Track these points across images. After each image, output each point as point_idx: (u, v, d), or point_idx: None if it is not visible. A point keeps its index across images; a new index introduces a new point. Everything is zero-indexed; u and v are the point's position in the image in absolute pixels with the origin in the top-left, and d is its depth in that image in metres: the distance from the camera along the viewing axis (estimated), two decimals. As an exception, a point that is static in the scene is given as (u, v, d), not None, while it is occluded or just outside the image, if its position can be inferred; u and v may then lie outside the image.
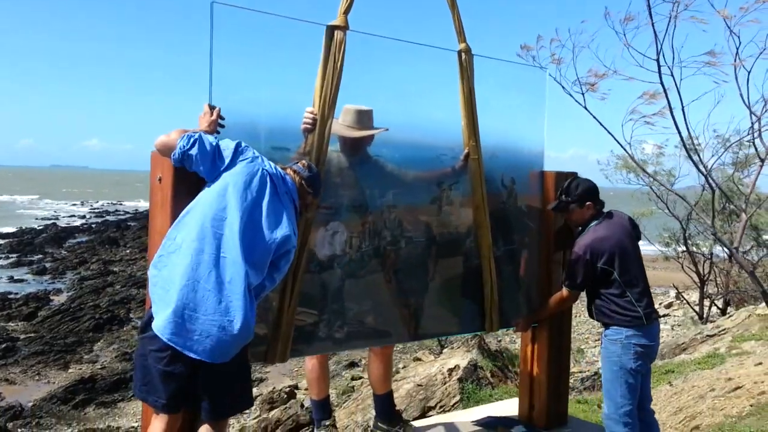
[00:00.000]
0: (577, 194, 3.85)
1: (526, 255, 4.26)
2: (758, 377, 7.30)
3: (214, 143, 2.78)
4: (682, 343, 9.95)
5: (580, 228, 3.96)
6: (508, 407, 4.74)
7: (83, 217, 49.61)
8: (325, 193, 3.23)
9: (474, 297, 3.96)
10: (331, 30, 3.14)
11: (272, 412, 8.18)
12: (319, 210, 3.20)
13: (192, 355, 2.60)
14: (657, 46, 3.27)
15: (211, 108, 2.95)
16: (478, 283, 3.93)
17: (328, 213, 3.33)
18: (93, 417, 12.03)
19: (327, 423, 4.03)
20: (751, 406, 6.48)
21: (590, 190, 3.90)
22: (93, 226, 41.05)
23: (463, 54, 3.64)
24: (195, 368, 2.66)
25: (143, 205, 66.00)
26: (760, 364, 8.03)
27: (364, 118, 3.52)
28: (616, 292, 3.77)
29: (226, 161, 2.77)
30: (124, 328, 17.45)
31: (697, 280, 16.61)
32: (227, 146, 2.80)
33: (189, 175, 2.80)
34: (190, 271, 2.61)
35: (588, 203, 3.87)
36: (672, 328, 16.60)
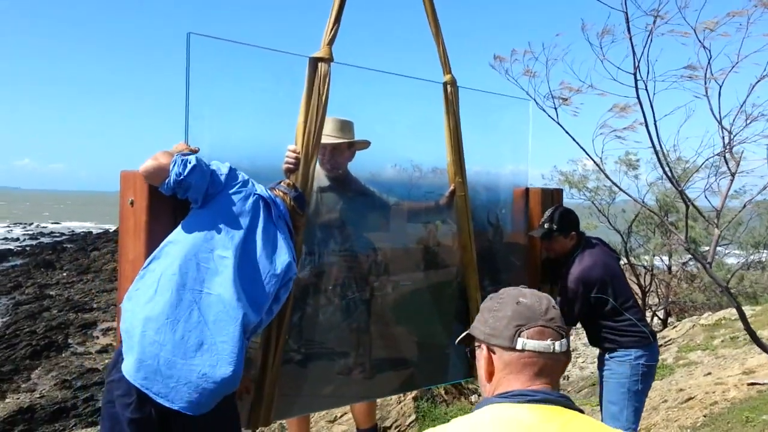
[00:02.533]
0: (563, 224, 3.80)
1: None
2: (709, 387, 7.46)
3: (211, 168, 2.51)
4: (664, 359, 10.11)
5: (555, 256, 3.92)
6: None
7: (16, 239, 47.84)
8: (308, 234, 3.03)
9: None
10: (314, 62, 2.90)
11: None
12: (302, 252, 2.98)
13: (166, 404, 2.24)
14: (634, 60, 3.31)
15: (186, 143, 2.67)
16: (465, 327, 3.78)
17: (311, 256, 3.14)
18: (33, 449, 11.52)
19: None
20: (704, 416, 6.59)
21: (574, 220, 3.88)
22: (27, 248, 39.59)
23: (448, 86, 3.47)
24: (167, 418, 2.30)
25: (78, 225, 64.12)
26: (710, 374, 8.21)
27: (344, 128, 3.36)
28: (615, 317, 3.71)
29: (220, 186, 2.52)
30: (63, 355, 16.76)
31: (638, 291, 17.01)
32: (221, 170, 2.55)
33: (166, 199, 2.51)
34: (169, 309, 2.28)
35: (572, 233, 3.83)
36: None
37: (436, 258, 3.72)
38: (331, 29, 2.95)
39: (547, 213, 3.86)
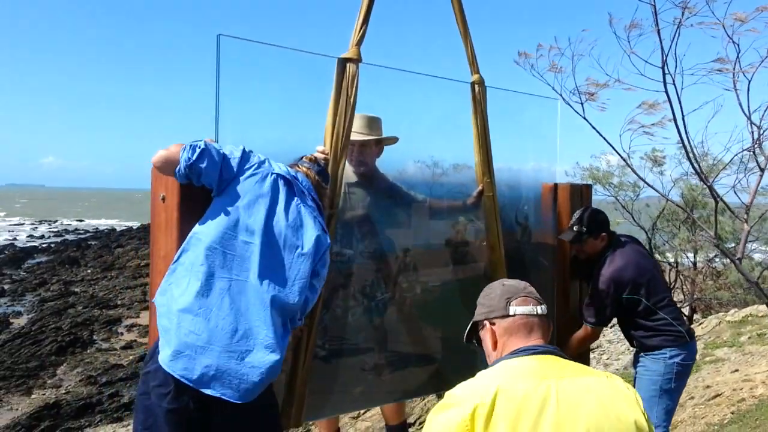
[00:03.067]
0: (593, 225, 3.75)
1: (541, 294, 4.14)
2: (736, 384, 7.37)
3: (222, 151, 2.46)
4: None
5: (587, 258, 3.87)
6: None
7: (42, 236, 48.44)
8: (337, 232, 2.99)
9: None
10: (342, 63, 2.88)
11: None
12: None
13: (208, 391, 2.24)
14: (662, 54, 3.25)
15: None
16: None
17: (342, 260, 3.11)
18: (59, 445, 11.66)
19: None
20: (732, 413, 6.52)
21: (604, 221, 3.83)
22: (52, 245, 40.06)
23: (476, 86, 3.43)
24: (207, 408, 2.30)
25: (104, 222, 64.77)
26: (737, 371, 8.11)
27: (372, 125, 3.35)
28: (650, 316, 3.66)
29: (234, 170, 2.46)
30: (88, 351, 16.94)
31: (663, 288, 16.83)
32: (234, 154, 2.48)
33: (197, 192, 2.48)
34: (201, 299, 2.28)
35: (603, 234, 3.78)
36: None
37: (464, 257, 3.69)
38: (360, 30, 2.92)
39: (576, 215, 3.80)
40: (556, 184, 4.10)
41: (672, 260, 16.87)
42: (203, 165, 2.40)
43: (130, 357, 15.39)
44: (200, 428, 2.34)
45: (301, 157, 2.73)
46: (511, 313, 2.07)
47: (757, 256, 16.50)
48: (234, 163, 2.46)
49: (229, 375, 2.25)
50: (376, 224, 3.33)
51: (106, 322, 19.08)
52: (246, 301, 2.32)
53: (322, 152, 2.85)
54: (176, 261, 2.39)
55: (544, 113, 4.08)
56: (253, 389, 2.29)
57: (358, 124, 3.21)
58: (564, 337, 3.99)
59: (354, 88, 2.88)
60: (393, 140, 3.45)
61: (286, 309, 2.39)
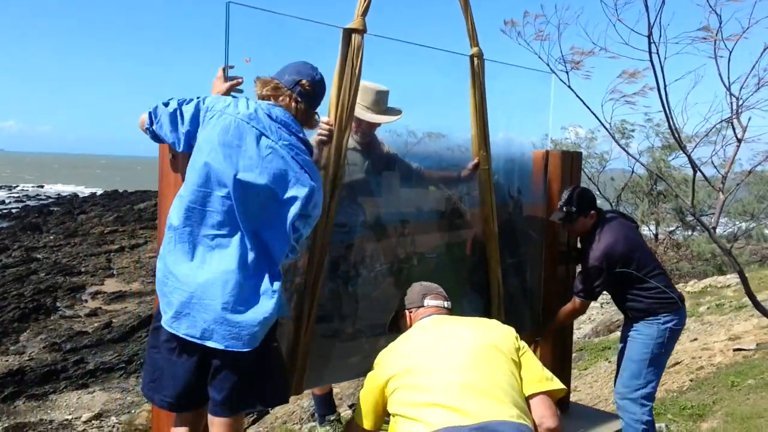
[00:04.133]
0: (582, 204, 3.83)
1: (532, 267, 4.20)
2: (695, 353, 7.59)
3: (174, 107, 2.42)
4: (617, 320, 10.23)
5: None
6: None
7: (2, 202, 47.45)
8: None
9: (480, 312, 3.82)
10: (348, 33, 2.85)
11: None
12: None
13: (213, 345, 2.30)
14: (648, 22, 3.27)
15: (225, 73, 2.61)
16: (485, 299, 3.82)
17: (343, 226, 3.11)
18: (24, 410, 11.50)
19: (332, 418, 3.91)
20: (691, 381, 6.72)
21: (592, 199, 3.92)
22: (13, 211, 39.28)
23: (475, 59, 3.43)
24: (214, 356, 2.37)
25: (65, 189, 63.63)
26: (696, 340, 8.35)
27: (381, 100, 3.35)
28: (642, 286, 3.79)
29: (187, 123, 2.40)
30: (51, 318, 16.72)
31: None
32: (189, 108, 2.43)
33: None
34: (189, 258, 2.32)
35: (592, 212, 3.87)
36: (601, 306, 17.18)
37: (459, 229, 3.74)
38: (365, 0, 2.90)
39: (565, 195, 3.87)
40: (547, 152, 4.16)
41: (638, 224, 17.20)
42: (157, 124, 2.44)
43: (95, 324, 15.25)
44: (200, 378, 2.41)
45: (298, 81, 2.54)
46: (425, 304, 2.78)
47: (719, 230, 16.89)
48: (186, 116, 2.42)
49: (230, 326, 2.30)
50: (375, 194, 3.35)
51: (69, 289, 18.83)
52: (233, 253, 2.33)
53: (327, 123, 2.82)
54: (167, 225, 2.41)
55: (538, 87, 4.14)
56: (255, 335, 2.34)
57: (368, 99, 3.22)
58: (552, 307, 4.10)
59: (359, 59, 2.86)
60: (399, 117, 3.46)
61: (274, 255, 2.40)
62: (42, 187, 67.77)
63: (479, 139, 3.54)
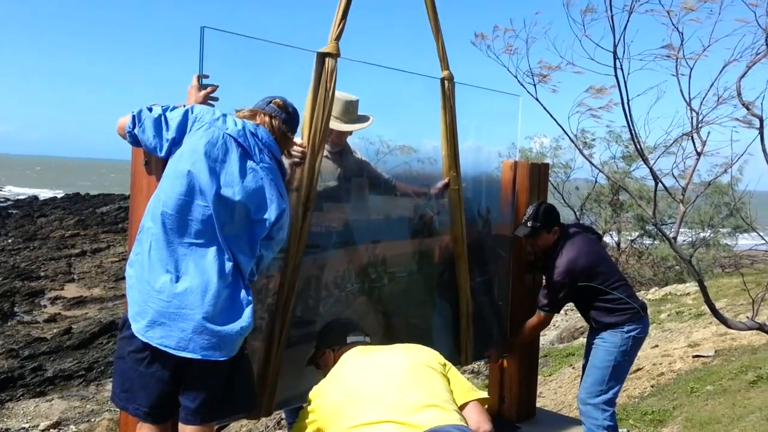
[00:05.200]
0: (545, 220, 3.91)
1: (499, 284, 4.27)
2: (656, 359, 7.73)
3: (159, 113, 2.43)
4: (581, 327, 10.38)
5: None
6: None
7: (-43, 204, 46.37)
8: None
9: (450, 331, 3.90)
10: (321, 57, 2.90)
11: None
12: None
13: (186, 355, 2.28)
14: (614, 38, 3.35)
15: (200, 81, 2.63)
16: (454, 316, 3.87)
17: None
18: (-22, 418, 11.28)
19: None
20: (652, 387, 6.85)
21: (556, 215, 4.00)
22: (-31, 214, 38.45)
23: (446, 82, 3.51)
24: (183, 367, 2.36)
25: (26, 191, 62.37)
26: (657, 346, 8.50)
27: (352, 109, 3.40)
28: (605, 297, 3.86)
29: (172, 130, 2.40)
30: (9, 323, 16.31)
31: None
32: (175, 115, 2.43)
33: None
34: (166, 265, 2.30)
35: (555, 228, 3.95)
36: (566, 313, 17.46)
37: (429, 249, 3.79)
38: (339, 25, 2.94)
39: (530, 211, 3.95)
40: (515, 162, 4.23)
41: (602, 235, 17.48)
42: (139, 129, 2.42)
43: (54, 330, 14.92)
44: (174, 387, 2.40)
45: (270, 101, 2.65)
46: (348, 342, 2.80)
47: (680, 239, 17.23)
48: (172, 123, 2.42)
49: (210, 335, 2.30)
50: (345, 201, 3.39)
51: (28, 294, 18.40)
52: (212, 262, 2.33)
53: (300, 145, 2.85)
54: (140, 231, 2.39)
55: (507, 108, 4.23)
56: (234, 345, 2.36)
57: (337, 109, 3.24)
58: (519, 323, 4.15)
59: (332, 83, 2.90)
60: (369, 123, 3.50)
61: (245, 269, 2.43)
62: (1, 189, 66.37)
63: (450, 159, 3.61)
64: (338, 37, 2.92)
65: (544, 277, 4.09)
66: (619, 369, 3.87)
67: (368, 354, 2.67)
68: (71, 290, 19.53)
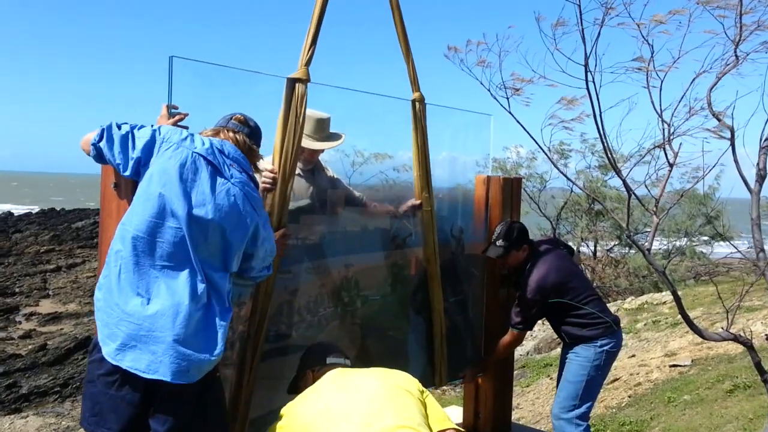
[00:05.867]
0: (514, 239, 3.93)
1: (473, 303, 4.28)
2: (633, 369, 7.78)
3: (127, 130, 2.39)
4: (557, 338, 10.42)
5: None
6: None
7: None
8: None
9: (424, 352, 3.90)
10: (292, 82, 2.88)
11: None
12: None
13: (155, 377, 2.24)
14: (585, 52, 3.39)
15: (170, 110, 2.62)
16: (428, 337, 3.87)
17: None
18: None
19: None
20: (629, 397, 6.89)
21: (525, 233, 4.01)
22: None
23: (417, 103, 3.51)
24: (153, 391, 2.32)
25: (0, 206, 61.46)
26: (633, 356, 8.56)
27: (323, 127, 3.40)
28: (577, 313, 3.88)
29: (138, 150, 2.36)
30: (-20, 341, 16.16)
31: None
32: (142, 134, 2.39)
33: None
34: (137, 288, 2.26)
35: (524, 246, 3.97)
36: (543, 323, 17.61)
37: (402, 271, 3.79)
38: (308, 50, 2.92)
39: (499, 230, 3.97)
40: (488, 177, 4.25)
41: (575, 249, 17.60)
42: (104, 144, 2.38)
43: (29, 347, 14.71)
44: (145, 410, 2.35)
45: (231, 117, 2.65)
46: (327, 363, 2.78)
47: (656, 246, 17.43)
48: (139, 142, 2.39)
49: (180, 359, 2.26)
50: (317, 220, 3.39)
51: (2, 310, 18.13)
52: (183, 285, 2.29)
53: (271, 171, 2.83)
54: (109, 254, 2.36)
55: (479, 127, 4.28)
56: (203, 368, 2.32)
57: (309, 128, 3.25)
58: (493, 340, 4.16)
59: (303, 108, 2.88)
60: (341, 141, 3.50)
61: (221, 289, 2.40)
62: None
63: (422, 180, 3.61)
64: (308, 63, 2.90)
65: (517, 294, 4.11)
66: (592, 383, 3.89)
67: (346, 376, 2.67)
68: (46, 306, 19.27)
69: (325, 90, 3.20)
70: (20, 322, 17.45)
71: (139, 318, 2.25)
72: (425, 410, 2.54)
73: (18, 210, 49.07)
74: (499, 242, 3.93)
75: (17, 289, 20.91)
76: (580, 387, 3.85)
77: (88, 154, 2.44)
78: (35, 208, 48.88)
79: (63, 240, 30.13)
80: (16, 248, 28.13)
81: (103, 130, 2.39)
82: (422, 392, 2.63)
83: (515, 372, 8.94)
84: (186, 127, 2.63)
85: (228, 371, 2.81)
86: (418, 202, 3.64)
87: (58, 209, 44.71)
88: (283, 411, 2.55)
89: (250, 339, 2.84)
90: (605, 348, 3.87)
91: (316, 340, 3.15)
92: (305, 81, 2.89)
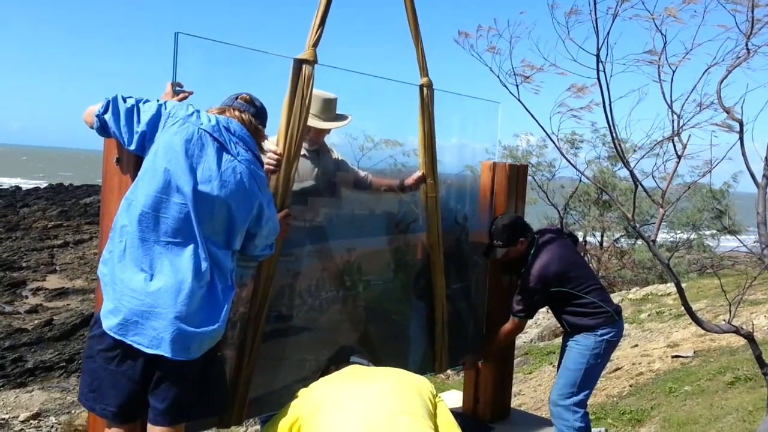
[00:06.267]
0: (507, 237, 3.92)
1: (476, 290, 4.28)
2: (635, 359, 7.80)
3: (133, 104, 2.37)
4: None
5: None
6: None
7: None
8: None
9: (425, 338, 3.90)
10: (298, 63, 2.84)
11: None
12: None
13: (156, 352, 2.25)
14: (598, 41, 3.37)
15: (174, 88, 2.59)
16: (429, 324, 3.87)
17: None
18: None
19: None
20: (630, 386, 6.91)
21: (518, 227, 3.98)
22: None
23: (424, 89, 3.47)
24: (152, 366, 2.33)
25: (8, 180, 61.70)
26: (636, 346, 8.58)
27: (330, 107, 3.38)
28: (579, 302, 3.88)
29: (143, 124, 2.34)
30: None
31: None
32: (148, 108, 2.37)
33: None
34: (140, 264, 2.27)
35: (521, 239, 3.95)
36: (547, 311, 17.60)
37: (405, 257, 3.78)
38: (316, 31, 2.89)
39: (492, 231, 3.97)
40: (494, 163, 4.21)
41: (581, 238, 17.60)
42: (108, 117, 2.36)
43: (35, 321, 14.84)
44: (144, 386, 2.37)
45: (237, 97, 2.62)
46: (351, 361, 2.85)
47: (660, 237, 17.41)
48: (144, 116, 2.36)
49: (181, 335, 2.27)
50: (322, 201, 3.38)
51: (9, 284, 18.26)
52: (187, 262, 2.30)
53: (275, 153, 2.80)
54: (113, 229, 2.35)
55: (487, 115, 4.24)
56: (203, 346, 2.34)
57: (315, 107, 3.22)
58: (496, 327, 4.15)
59: (309, 89, 2.84)
60: (348, 122, 3.49)
61: (224, 267, 2.40)
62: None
63: (427, 166, 3.58)
64: (316, 44, 2.87)
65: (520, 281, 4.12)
66: (591, 372, 3.90)
67: (363, 371, 2.76)
68: (53, 281, 19.41)
69: (332, 72, 3.16)
70: (27, 297, 17.59)
71: (143, 294, 2.25)
72: (434, 411, 2.61)
73: (26, 184, 49.26)
74: (496, 242, 3.95)
75: (24, 264, 21.04)
76: (579, 375, 3.87)
77: (91, 127, 2.42)
78: (44, 183, 49.02)
79: (71, 216, 30.23)
80: (23, 223, 28.28)
81: (108, 102, 2.37)
82: (434, 396, 2.68)
83: (518, 359, 8.98)
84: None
85: (229, 352, 2.82)
86: (421, 173, 3.60)
87: (67, 184, 44.84)
88: (300, 391, 2.63)
89: (251, 321, 2.85)
90: (605, 337, 3.88)
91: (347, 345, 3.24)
92: (312, 62, 2.86)
